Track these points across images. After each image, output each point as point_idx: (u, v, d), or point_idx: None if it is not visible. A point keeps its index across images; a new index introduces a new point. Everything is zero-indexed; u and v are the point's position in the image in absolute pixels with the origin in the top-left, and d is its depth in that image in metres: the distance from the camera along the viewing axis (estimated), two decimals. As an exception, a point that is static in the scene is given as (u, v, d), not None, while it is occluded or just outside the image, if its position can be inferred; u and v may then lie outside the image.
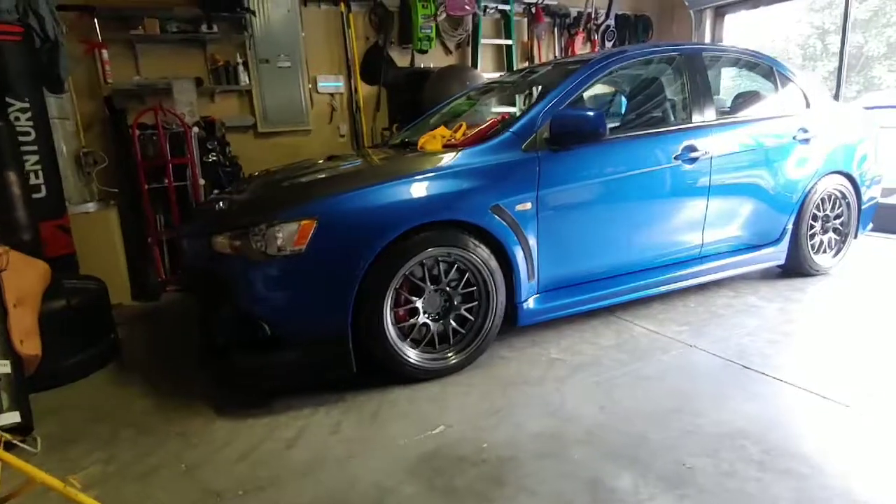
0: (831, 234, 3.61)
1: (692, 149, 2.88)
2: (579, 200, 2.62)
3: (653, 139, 2.84)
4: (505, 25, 5.42)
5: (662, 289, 3.00)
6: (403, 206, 2.21)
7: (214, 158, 4.13)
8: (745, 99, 3.32)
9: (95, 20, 3.74)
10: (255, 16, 4.16)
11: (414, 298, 2.30)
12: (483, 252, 2.37)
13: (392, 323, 2.25)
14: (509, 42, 5.37)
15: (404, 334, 2.30)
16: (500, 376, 2.38)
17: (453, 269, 2.36)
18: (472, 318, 2.43)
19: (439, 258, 2.31)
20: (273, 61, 4.37)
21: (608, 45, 5.85)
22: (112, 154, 3.88)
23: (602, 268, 2.81)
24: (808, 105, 3.44)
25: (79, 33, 3.74)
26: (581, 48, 5.79)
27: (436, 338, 2.36)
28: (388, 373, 2.30)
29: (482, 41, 5.26)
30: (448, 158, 2.40)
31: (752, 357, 2.42)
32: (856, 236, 3.72)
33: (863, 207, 3.68)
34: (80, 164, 3.65)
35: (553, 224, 2.56)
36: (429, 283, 2.31)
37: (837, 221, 3.61)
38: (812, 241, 3.51)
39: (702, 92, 3.01)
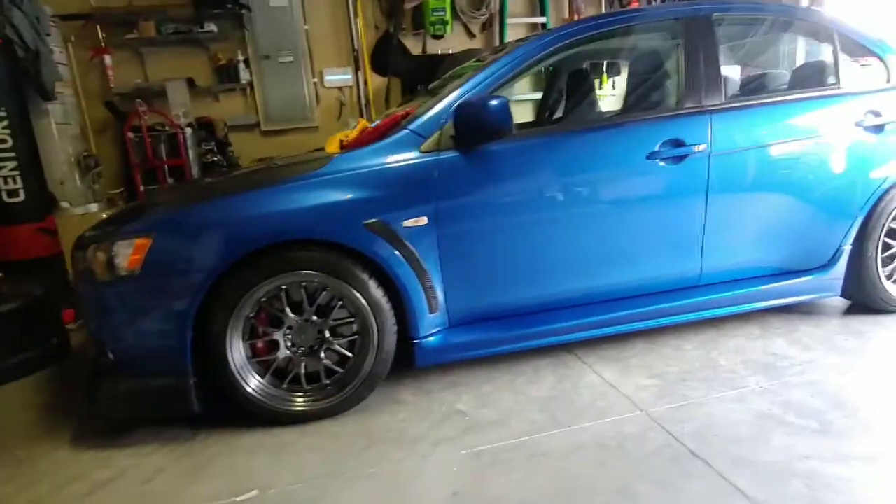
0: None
1: (677, 143, 2.17)
2: (501, 214, 2.07)
3: (611, 132, 2.18)
4: (540, 0, 4.78)
5: (638, 325, 2.33)
6: (247, 224, 1.86)
7: (213, 159, 4.13)
8: (780, 74, 2.47)
9: (98, 27, 3.88)
10: (250, 11, 4.06)
11: (273, 330, 1.98)
12: (361, 278, 1.96)
13: (243, 357, 1.94)
14: (543, 20, 4.72)
15: (265, 370, 1.99)
16: (374, 429, 1.95)
17: (333, 298, 1.99)
18: (351, 356, 2.04)
19: (303, 283, 1.96)
20: (274, 57, 4.26)
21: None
22: (119, 156, 4.04)
23: (543, 297, 2.24)
24: (888, 79, 2.47)
25: (86, 41, 3.91)
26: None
27: (302, 377, 2.01)
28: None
29: (509, 20, 4.68)
30: (318, 164, 2.01)
31: (729, 449, 1.70)
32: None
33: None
34: (80, 167, 3.83)
35: (463, 244, 2.06)
36: (290, 313, 1.97)
37: (934, 240, 2.59)
38: (889, 267, 2.54)
39: (703, 67, 2.25)
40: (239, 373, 1.92)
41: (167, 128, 3.86)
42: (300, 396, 1.99)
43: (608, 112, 2.39)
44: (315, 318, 1.98)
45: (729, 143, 2.22)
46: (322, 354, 2.01)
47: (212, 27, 3.99)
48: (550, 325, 2.23)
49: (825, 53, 2.49)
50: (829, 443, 1.68)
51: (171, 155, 3.91)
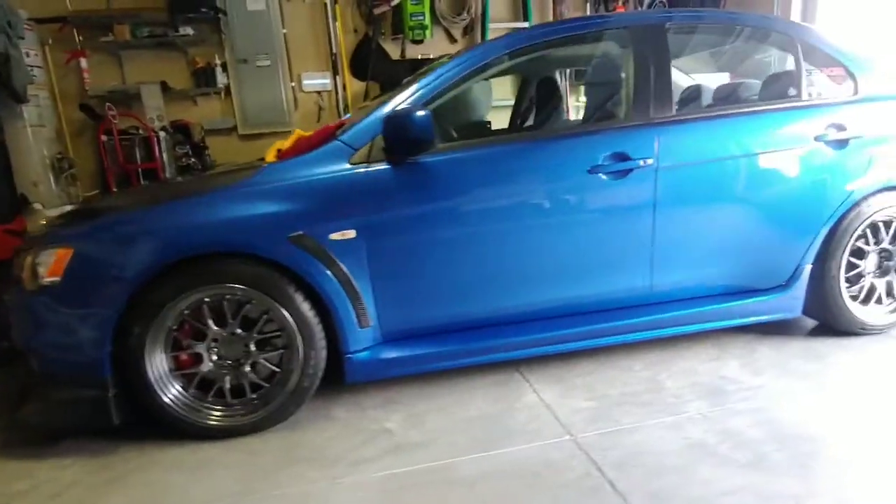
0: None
1: (621, 157, 2.09)
2: (433, 228, 2.02)
3: (550, 145, 2.11)
4: (523, 2, 4.70)
5: (586, 343, 2.26)
6: (165, 236, 1.84)
7: (189, 162, 4.13)
8: (737, 86, 2.37)
9: (74, 30, 3.90)
10: (225, 15, 4.05)
11: (196, 342, 1.94)
12: (286, 291, 1.92)
13: (162, 368, 1.91)
14: (525, 24, 4.64)
15: (189, 382, 1.96)
16: (297, 447, 1.91)
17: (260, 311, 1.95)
18: (278, 370, 2.00)
19: (226, 296, 1.92)
20: (252, 61, 4.25)
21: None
22: (96, 159, 4.06)
23: (484, 314, 2.17)
24: (855, 92, 2.36)
25: (63, 44, 3.94)
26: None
27: (227, 391, 1.97)
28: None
29: (492, 25, 4.61)
30: (244, 175, 1.98)
31: (650, 483, 1.60)
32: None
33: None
34: (55, 168, 3.85)
35: (394, 258, 2.00)
36: (213, 326, 1.93)
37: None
38: (854, 287, 2.43)
39: (654, 79, 2.17)
40: (157, 384, 1.88)
41: (141, 131, 3.87)
42: (217, 410, 1.95)
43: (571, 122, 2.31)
44: (240, 331, 1.95)
45: (678, 157, 2.14)
46: (247, 368, 1.97)
47: (188, 31, 3.99)
48: (492, 342, 2.17)
49: (789, 64, 2.39)
50: (757, 479, 1.59)
51: (145, 158, 3.92)
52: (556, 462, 1.73)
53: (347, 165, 1.96)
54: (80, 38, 3.94)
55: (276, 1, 4.21)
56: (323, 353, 2.00)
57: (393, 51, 4.53)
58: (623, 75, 2.20)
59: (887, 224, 2.40)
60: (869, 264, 2.44)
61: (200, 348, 1.93)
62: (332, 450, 1.89)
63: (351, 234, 1.94)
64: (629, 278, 2.22)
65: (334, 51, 4.42)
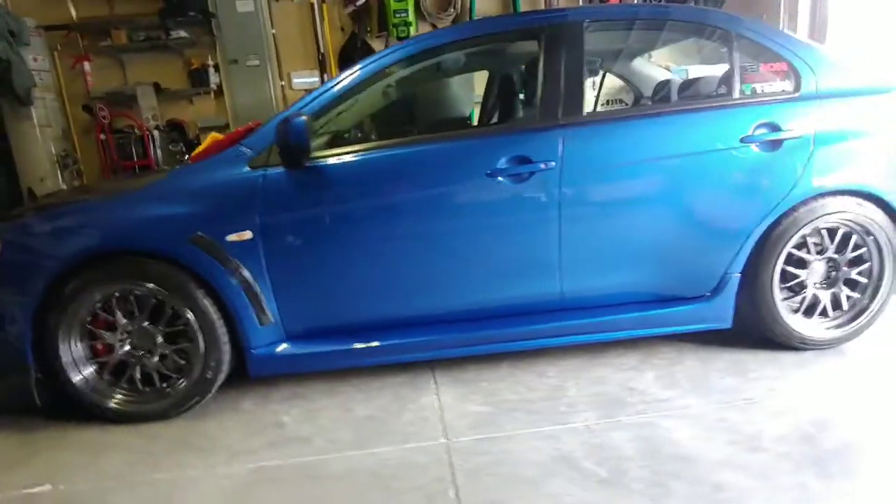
0: (844, 290, 2.29)
1: (523, 160, 2.05)
2: (329, 231, 2.06)
3: (448, 148, 2.09)
4: (513, -2, 4.62)
5: (497, 347, 2.25)
6: (77, 234, 1.99)
7: (183, 158, 4.36)
8: (660, 84, 2.25)
9: (79, 36, 4.19)
10: (214, 17, 4.22)
11: (108, 334, 2.09)
12: (188, 289, 2.02)
13: (76, 355, 2.05)
14: (514, 18, 4.55)
15: (103, 369, 2.11)
16: (193, 435, 2.02)
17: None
18: (184, 362, 2.11)
19: (135, 291, 2.04)
20: (242, 61, 4.41)
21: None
22: (100, 155, 4.36)
23: (389, 315, 2.20)
24: (797, 88, 2.19)
25: (70, 49, 4.25)
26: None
27: (137, 378, 2.11)
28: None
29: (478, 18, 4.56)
30: (155, 178, 2.09)
31: (496, 493, 1.60)
32: (909, 294, 2.31)
33: (920, 249, 2.26)
34: (60, 165, 4.18)
35: (290, 259, 2.07)
36: (122, 318, 2.07)
37: (855, 270, 2.28)
38: (795, 298, 2.27)
39: (563, 79, 2.10)
40: (68, 367, 2.04)
41: (136, 130, 4.13)
42: (120, 395, 2.09)
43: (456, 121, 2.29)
44: (147, 324, 2.08)
45: (585, 161, 2.07)
46: (156, 359, 2.11)
47: (182, 34, 4.21)
48: (398, 343, 2.20)
49: (724, 59, 2.25)
50: (605, 496, 1.55)
51: (141, 155, 4.18)
52: (417, 465, 1.75)
53: (247, 169, 2.04)
54: (85, 43, 4.25)
55: (264, 2, 4.35)
56: (226, 348, 2.10)
57: (379, 48, 4.57)
58: (532, 76, 2.15)
59: (832, 232, 2.23)
60: (813, 274, 2.27)
61: (112, 338, 2.08)
62: (223, 440, 1.99)
63: (248, 235, 2.02)
64: (537, 284, 2.18)
65: (322, 49, 4.52)
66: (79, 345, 2.06)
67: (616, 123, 2.13)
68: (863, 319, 2.29)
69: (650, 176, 2.11)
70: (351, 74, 2.10)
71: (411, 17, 4.37)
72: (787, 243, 2.18)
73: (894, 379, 2.06)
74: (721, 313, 2.24)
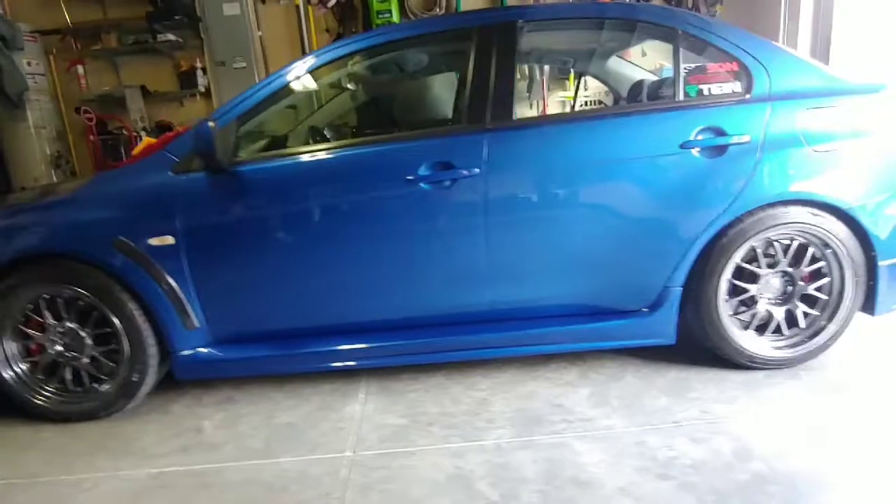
0: (801, 307, 2.13)
1: (446, 166, 1.98)
2: (249, 236, 2.05)
3: (367, 154, 2.04)
4: (502, -3, 4.52)
5: (427, 358, 2.19)
6: (7, 236, 2.03)
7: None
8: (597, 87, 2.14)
9: (73, 40, 4.33)
10: (200, 21, 4.29)
11: (38, 333, 2.13)
12: (113, 291, 2.04)
13: (7, 353, 2.10)
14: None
15: (35, 368, 2.15)
16: (113, 436, 2.04)
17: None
18: (115, 364, 2.13)
19: (65, 294, 2.08)
20: (229, 63, 4.46)
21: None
22: (94, 156, 4.50)
23: (318, 322, 2.17)
24: (748, 90, 2.04)
25: (66, 53, 4.39)
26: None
27: (68, 379, 2.14)
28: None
29: (467, 19, 4.48)
30: (83, 182, 2.12)
31: None
32: (874, 312, 2.13)
33: (884, 265, 2.07)
34: (54, 164, 4.32)
35: (212, 263, 2.06)
36: (49, 319, 2.10)
37: (813, 286, 2.11)
38: (746, 314, 2.13)
39: (492, 82, 2.02)
40: (0, 365, 2.09)
41: (124, 131, 4.24)
42: (47, 393, 2.12)
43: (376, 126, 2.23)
44: (75, 326, 2.11)
45: (512, 166, 1.99)
46: (85, 360, 2.14)
47: (170, 37, 4.29)
48: (327, 351, 2.17)
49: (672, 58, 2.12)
50: None
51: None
52: (313, 478, 1.71)
53: (169, 174, 2.05)
54: (78, 46, 4.38)
55: (250, 5, 4.39)
56: (152, 352, 2.12)
57: (366, 49, 4.56)
58: (462, 79, 2.08)
59: (785, 243, 2.08)
60: (766, 289, 2.12)
61: (43, 339, 2.13)
62: (139, 442, 2.00)
63: (169, 240, 2.02)
64: (466, 294, 2.11)
65: (308, 51, 4.53)
66: (11, 343, 2.12)
67: (545, 128, 2.04)
68: (819, 339, 2.13)
69: (580, 183, 2.00)
70: (278, 78, 2.08)
71: (395, 17, 4.34)
72: (732, 256, 2.04)
73: (843, 410, 1.89)
74: (661, 329, 2.12)
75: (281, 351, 2.18)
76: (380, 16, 4.31)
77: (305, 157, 2.07)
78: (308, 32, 4.51)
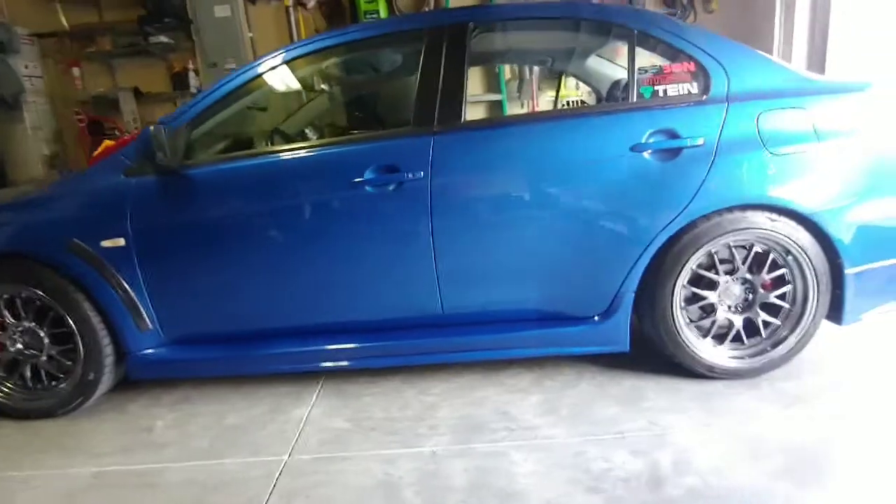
0: (761, 315, 2.05)
1: (391, 169, 1.96)
2: (197, 239, 2.06)
3: (314, 157, 2.03)
4: (492, -5, 4.47)
5: (382, 361, 2.18)
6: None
7: (165, 159, 4.52)
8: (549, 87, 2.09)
9: (69, 42, 4.43)
10: (191, 23, 4.34)
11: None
12: (68, 292, 2.08)
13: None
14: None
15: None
16: (69, 434, 2.07)
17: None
18: (72, 363, 2.17)
19: (22, 294, 2.12)
20: (221, 64, 4.50)
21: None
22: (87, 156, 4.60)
23: (267, 325, 2.18)
24: (705, 91, 1.97)
25: (62, 55, 4.49)
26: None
27: (27, 376, 2.18)
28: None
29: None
30: (43, 185, 2.16)
31: None
32: (841, 321, 2.05)
33: (850, 272, 1.99)
34: (51, 164, 4.43)
35: (162, 265, 2.08)
36: (9, 318, 2.15)
37: (774, 294, 2.04)
38: (704, 321, 2.06)
39: (441, 85, 1.99)
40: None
41: (117, 132, 4.32)
42: (7, 389, 2.17)
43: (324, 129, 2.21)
44: (32, 325, 2.15)
45: (458, 170, 1.97)
46: (44, 358, 2.18)
47: (162, 39, 4.36)
48: (279, 353, 2.18)
49: (626, 59, 2.06)
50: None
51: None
52: (245, 480, 1.72)
53: (122, 177, 2.07)
54: (75, 49, 4.48)
55: (241, 6, 4.43)
56: (108, 351, 2.15)
57: (355, 49, 4.56)
58: (411, 82, 2.05)
59: (745, 249, 2.01)
60: (726, 296, 2.06)
61: (3, 336, 2.18)
62: (92, 441, 2.03)
63: (121, 241, 2.05)
64: (416, 298, 2.09)
65: (298, 51, 4.55)
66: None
67: (493, 131, 2.01)
68: (782, 349, 2.05)
69: (526, 187, 1.96)
70: (226, 83, 2.08)
71: (383, 16, 4.33)
72: (687, 262, 1.98)
73: (796, 424, 1.81)
74: (614, 336, 2.06)
75: (231, 353, 2.19)
76: (367, 15, 4.30)
77: (254, 160, 2.07)
78: (298, 32, 4.52)
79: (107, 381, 2.19)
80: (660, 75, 2.03)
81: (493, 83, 4.51)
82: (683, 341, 2.05)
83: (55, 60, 4.47)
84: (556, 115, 2.04)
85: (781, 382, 2.06)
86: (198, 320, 2.17)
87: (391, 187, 1.96)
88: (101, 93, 4.51)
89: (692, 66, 2.02)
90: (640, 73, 2.00)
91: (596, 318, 2.06)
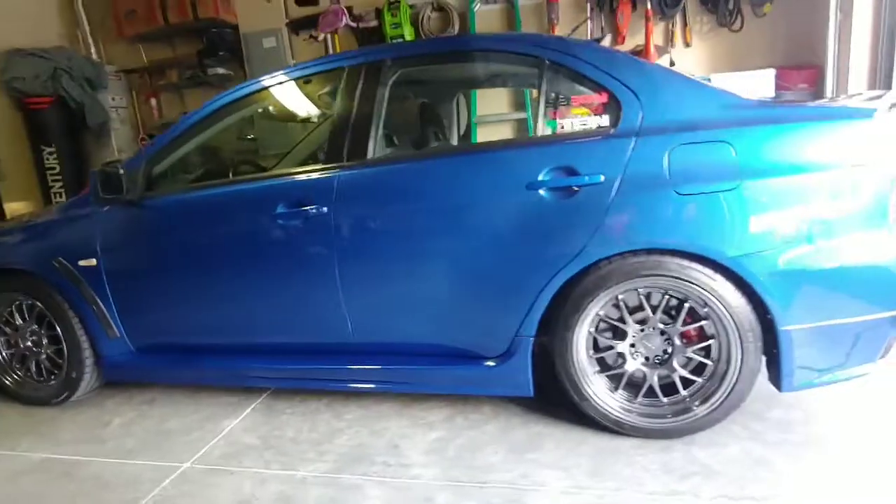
0: (678, 370, 1.83)
1: (300, 204, 2.06)
2: (148, 261, 2.35)
3: (239, 191, 2.19)
4: (516, 12, 4.40)
5: (302, 383, 2.31)
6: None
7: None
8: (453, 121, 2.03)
9: (148, 76, 5.14)
10: (241, 54, 4.81)
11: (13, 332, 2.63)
12: (58, 303, 2.46)
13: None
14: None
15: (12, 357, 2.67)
16: (50, 421, 2.44)
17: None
18: (61, 362, 2.56)
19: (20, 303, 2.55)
20: (269, 91, 4.93)
21: (667, 11, 3.95)
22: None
23: (214, 338, 2.39)
24: (615, 124, 1.82)
25: (145, 87, 5.23)
26: (631, 28, 4.13)
27: (33, 369, 2.61)
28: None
29: (479, 39, 4.44)
30: (48, 210, 2.56)
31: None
32: (781, 386, 1.77)
33: (787, 330, 1.70)
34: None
35: (122, 284, 2.38)
36: (19, 320, 2.59)
37: (692, 348, 1.81)
38: (613, 371, 1.89)
39: (352, 121, 2.07)
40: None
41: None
42: (16, 377, 2.62)
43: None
44: (35, 328, 2.58)
45: (357, 206, 2.02)
46: (43, 356, 2.60)
47: (219, 70, 4.89)
48: (219, 366, 2.38)
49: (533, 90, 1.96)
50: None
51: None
52: (138, 482, 1.92)
53: (94, 206, 2.40)
54: (151, 82, 5.20)
55: (285, 38, 4.82)
56: (87, 354, 2.50)
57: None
58: (326, 118, 2.15)
59: (654, 297, 1.81)
60: (643, 347, 1.87)
61: (15, 336, 2.63)
62: (61, 430, 2.38)
63: (93, 262, 2.39)
64: (329, 327, 2.15)
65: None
66: (-3, 337, 2.66)
67: (391, 167, 2.03)
68: (700, 411, 1.82)
69: (421, 224, 1.96)
70: (179, 126, 2.34)
71: (409, 38, 4.46)
72: (587, 307, 1.84)
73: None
74: (515, 380, 1.97)
75: (180, 363, 2.45)
76: (393, 39, 4.47)
77: (193, 193, 2.31)
78: (334, 59, 4.82)
79: (88, 379, 2.55)
80: (567, 107, 1.92)
81: (520, 102, 4.46)
82: (587, 393, 1.90)
83: (138, 93, 5.22)
84: (457, 151, 2.01)
85: (701, 449, 1.82)
86: (153, 332, 2.45)
87: (300, 221, 2.08)
88: (170, 120, 5.18)
89: (604, 97, 1.88)
90: (547, 106, 1.92)
91: (495, 360, 1.99)
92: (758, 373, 1.80)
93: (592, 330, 1.89)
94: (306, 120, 2.44)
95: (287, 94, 2.27)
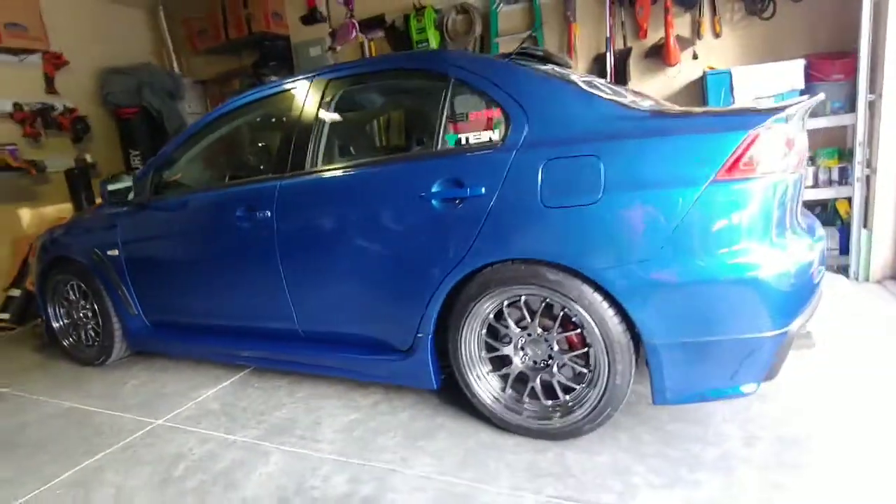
0: (558, 375, 1.89)
1: (251, 209, 2.39)
2: (149, 252, 2.85)
3: (207, 196, 2.57)
4: (536, 10, 4.39)
5: (267, 363, 2.68)
6: (50, 245, 3.24)
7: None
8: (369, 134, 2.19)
9: (218, 86, 5.84)
10: (291, 63, 5.32)
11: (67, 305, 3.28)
12: (97, 285, 3.05)
13: (57, 315, 3.32)
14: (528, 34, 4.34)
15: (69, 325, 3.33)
16: (82, 376, 3.05)
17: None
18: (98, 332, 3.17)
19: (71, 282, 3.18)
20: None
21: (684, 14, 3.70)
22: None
23: (202, 319, 2.83)
24: (503, 137, 1.91)
25: (214, 97, 5.95)
26: (653, 22, 3.95)
27: (82, 337, 3.25)
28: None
29: (502, 38, 4.50)
30: (93, 209, 3.16)
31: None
32: (654, 399, 1.78)
33: (655, 344, 1.71)
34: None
35: (137, 269, 2.91)
36: (72, 296, 3.23)
37: (569, 355, 1.86)
38: (502, 371, 2.00)
39: (296, 135, 2.35)
40: (52, 321, 3.33)
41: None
42: (70, 342, 3.28)
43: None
44: (82, 304, 3.21)
45: (289, 212, 2.30)
46: (89, 327, 3.22)
47: (272, 78, 5.43)
48: (208, 345, 2.83)
49: (438, 104, 2.08)
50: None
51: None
52: (120, 431, 2.38)
53: (117, 206, 2.94)
54: (222, 91, 5.89)
55: (326, 48, 5.24)
56: (116, 326, 3.08)
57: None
58: (278, 134, 2.45)
59: (536, 305, 1.89)
60: (531, 350, 1.96)
61: (70, 308, 3.28)
62: (93, 385, 2.96)
63: (117, 252, 2.94)
64: (280, 316, 2.48)
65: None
66: (58, 309, 3.33)
67: (318, 178, 2.26)
68: (578, 415, 1.88)
69: (340, 229, 2.19)
70: (176, 140, 2.79)
71: (433, 42, 4.64)
72: (472, 311, 1.97)
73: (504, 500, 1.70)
74: (420, 374, 2.15)
75: (181, 339, 2.93)
76: (419, 45, 4.69)
77: (182, 197, 2.75)
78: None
79: (118, 347, 3.14)
80: (465, 122, 2.03)
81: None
82: (476, 390, 2.04)
83: (210, 101, 5.96)
84: (369, 164, 2.20)
85: (574, 454, 1.88)
86: (159, 310, 2.96)
87: (251, 223, 2.41)
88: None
89: (497, 112, 1.97)
90: (448, 120, 2.05)
91: (403, 355, 2.18)
92: (628, 384, 1.82)
93: (483, 332, 2.02)
94: (264, 136, 2.80)
95: (250, 115, 2.66)
